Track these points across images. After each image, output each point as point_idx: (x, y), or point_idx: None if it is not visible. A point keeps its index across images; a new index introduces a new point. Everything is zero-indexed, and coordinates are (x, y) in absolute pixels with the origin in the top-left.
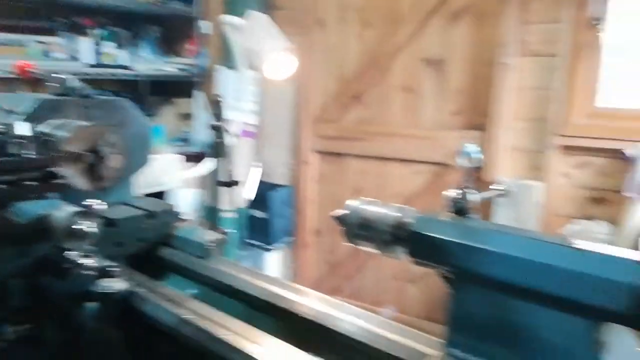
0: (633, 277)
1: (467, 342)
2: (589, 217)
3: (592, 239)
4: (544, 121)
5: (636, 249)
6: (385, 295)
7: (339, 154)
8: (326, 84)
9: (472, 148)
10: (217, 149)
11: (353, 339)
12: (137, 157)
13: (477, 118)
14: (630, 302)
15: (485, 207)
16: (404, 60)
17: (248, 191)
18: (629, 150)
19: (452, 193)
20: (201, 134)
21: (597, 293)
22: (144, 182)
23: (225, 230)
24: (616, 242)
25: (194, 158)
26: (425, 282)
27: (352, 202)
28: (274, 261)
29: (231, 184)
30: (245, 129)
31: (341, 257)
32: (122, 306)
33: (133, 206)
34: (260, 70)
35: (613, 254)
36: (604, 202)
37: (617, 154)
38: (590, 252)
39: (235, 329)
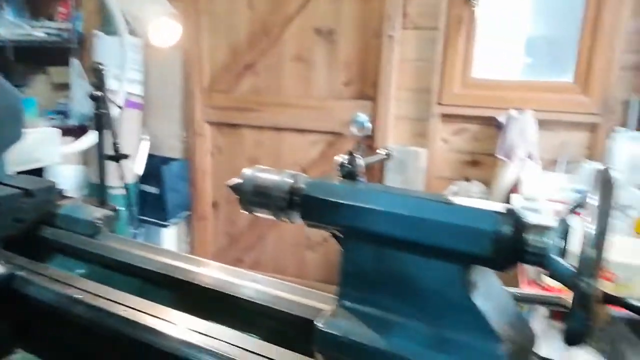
0: (495, 226)
1: (356, 293)
2: (466, 179)
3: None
4: (427, 91)
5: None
6: (286, 263)
7: (233, 125)
8: (216, 53)
9: (362, 117)
10: (100, 121)
11: (253, 303)
12: (7, 132)
13: (367, 88)
14: (493, 247)
15: (378, 172)
16: (295, 30)
17: (137, 165)
18: (500, 117)
19: (341, 159)
20: (80, 106)
21: (466, 241)
22: (17, 159)
23: (115, 207)
24: (490, 200)
25: (74, 132)
26: (324, 248)
27: (247, 171)
28: (171, 237)
29: (119, 157)
30: (129, 100)
31: (241, 228)
32: (3, 292)
33: (6, 185)
34: (143, 37)
35: (478, 207)
36: (479, 165)
37: (490, 121)
38: (459, 205)
39: (131, 304)
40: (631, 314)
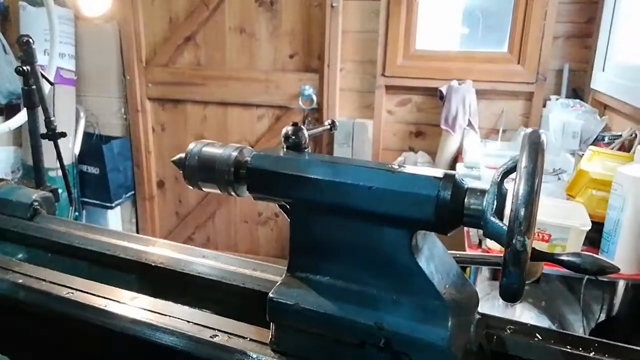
0: (435, 190)
1: (306, 263)
2: (412, 149)
3: None
4: (371, 63)
5: None
6: (238, 240)
7: (176, 100)
8: (153, 25)
9: (309, 90)
10: (30, 98)
11: (204, 278)
12: None
13: (312, 60)
14: (434, 211)
15: (327, 146)
16: (235, 0)
17: (74, 145)
18: (442, 88)
19: (286, 131)
20: (9, 83)
21: (409, 206)
22: None
23: (54, 188)
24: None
25: (2, 111)
26: (276, 224)
27: (191, 145)
28: (116, 218)
29: (54, 136)
30: (61, 75)
31: (189, 207)
32: None
33: None
34: (72, 8)
35: (420, 173)
36: (423, 135)
37: (433, 92)
38: (402, 172)
39: (77, 286)
40: (565, 271)
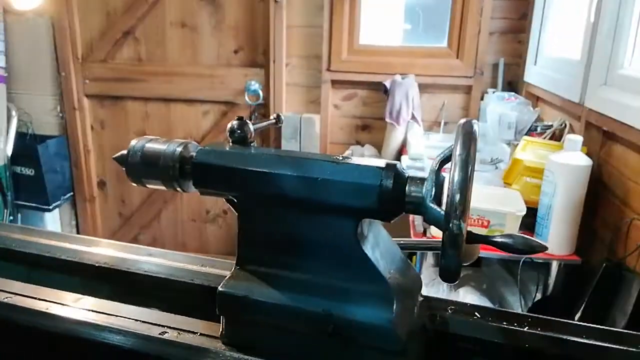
0: (378, 180)
1: (254, 256)
2: (359, 142)
3: None
4: (316, 58)
5: None
6: (185, 239)
7: (115, 97)
8: (88, 19)
9: (255, 86)
10: None
11: (151, 276)
12: None
13: (258, 55)
14: (377, 200)
15: (274, 141)
16: None
17: (6, 145)
18: (386, 82)
19: (231, 125)
20: None
21: (353, 196)
22: None
23: None
24: None
25: None
26: (224, 221)
27: (134, 141)
28: (54, 221)
29: None
30: None
31: (133, 207)
32: None
33: None
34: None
35: (362, 164)
36: (369, 129)
37: (377, 86)
38: (345, 163)
39: (15, 290)
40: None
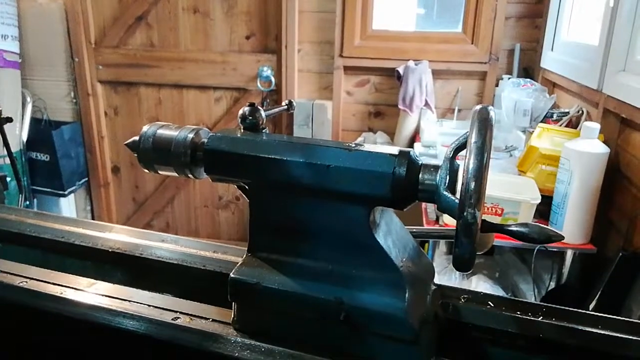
0: (391, 167)
1: (266, 242)
2: (371, 129)
3: None
4: (329, 43)
5: None
6: (198, 225)
7: (129, 83)
8: (101, 4)
9: (267, 72)
10: None
11: (164, 262)
12: None
13: (270, 41)
14: (390, 188)
15: (286, 128)
16: None
17: (22, 131)
18: (399, 68)
19: (243, 111)
20: None
21: (366, 183)
22: None
23: (2, 175)
24: None
25: None
26: (236, 207)
27: (146, 127)
28: (69, 207)
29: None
30: (4, 58)
31: (147, 193)
32: None
33: None
34: None
35: (376, 151)
36: (382, 116)
37: (390, 72)
38: (358, 151)
39: (31, 275)
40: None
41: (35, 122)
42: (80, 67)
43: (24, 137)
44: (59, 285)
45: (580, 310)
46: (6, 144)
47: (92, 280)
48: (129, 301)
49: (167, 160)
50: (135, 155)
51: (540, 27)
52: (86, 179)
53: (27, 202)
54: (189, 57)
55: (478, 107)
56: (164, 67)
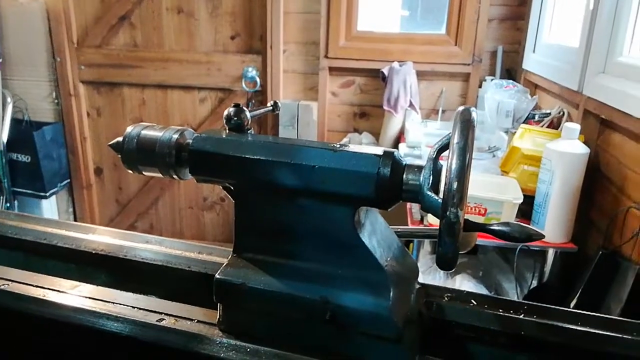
0: (375, 168)
1: (251, 243)
2: (357, 130)
3: None
4: (314, 44)
5: None
6: (183, 226)
7: (112, 84)
8: (84, 3)
9: (252, 72)
10: None
11: (148, 264)
12: None
13: (255, 42)
14: (375, 188)
15: (272, 129)
16: None
17: (2, 131)
18: (384, 69)
19: (228, 112)
20: None
21: (352, 184)
22: None
23: None
24: None
25: None
26: (222, 208)
27: (130, 128)
28: (51, 208)
29: None
30: None
31: (130, 194)
32: None
33: None
34: None
35: (360, 151)
36: (367, 116)
37: (375, 73)
38: (342, 151)
39: (12, 278)
40: (501, 242)
41: (16, 122)
42: (62, 67)
43: (4, 138)
44: (41, 287)
45: (561, 308)
46: None
47: (76, 283)
48: (113, 303)
49: (152, 161)
50: (119, 156)
51: (523, 29)
52: (68, 180)
53: (8, 204)
54: (173, 57)
55: (460, 108)
56: (148, 68)
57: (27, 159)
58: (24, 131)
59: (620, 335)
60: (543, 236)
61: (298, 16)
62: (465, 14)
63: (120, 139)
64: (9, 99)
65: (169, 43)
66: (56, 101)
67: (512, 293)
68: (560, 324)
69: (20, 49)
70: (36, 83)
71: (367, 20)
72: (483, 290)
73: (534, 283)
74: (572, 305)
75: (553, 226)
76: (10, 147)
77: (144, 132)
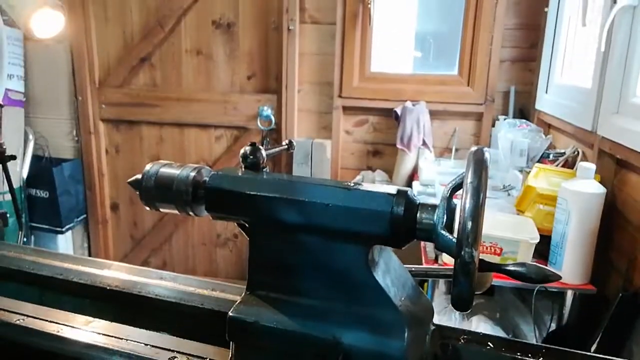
0: (389, 206)
1: (265, 280)
2: (370, 168)
3: None
4: (328, 84)
5: None
6: (196, 263)
7: (131, 122)
8: (106, 45)
9: (267, 111)
10: None
11: (162, 300)
12: None
13: (270, 82)
14: (388, 226)
15: (286, 166)
16: (192, 22)
17: (22, 168)
18: (397, 109)
19: (244, 150)
20: None
21: (365, 222)
22: None
23: (2, 212)
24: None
25: None
26: (235, 245)
27: (148, 165)
28: (67, 243)
29: (2, 159)
30: (9, 97)
31: (145, 230)
32: None
33: None
34: (22, 28)
35: (374, 190)
36: (380, 154)
37: (388, 112)
38: (357, 190)
39: (28, 312)
40: (518, 283)
41: (36, 159)
42: (83, 105)
43: (25, 174)
44: (55, 323)
45: (580, 352)
46: (9, 181)
47: (89, 318)
48: (126, 340)
49: (169, 198)
50: (137, 193)
51: (534, 71)
52: (84, 215)
53: (25, 239)
54: (191, 96)
55: (474, 148)
56: (166, 106)
57: (46, 194)
58: (43, 167)
59: None
60: (560, 277)
61: (313, 57)
62: (477, 56)
63: (139, 176)
64: (30, 136)
65: (187, 83)
66: (76, 139)
67: (531, 336)
68: None
69: (44, 88)
70: (57, 121)
71: (381, 61)
72: (500, 332)
73: (553, 326)
74: (592, 349)
75: (571, 267)
76: (29, 183)
77: (162, 170)
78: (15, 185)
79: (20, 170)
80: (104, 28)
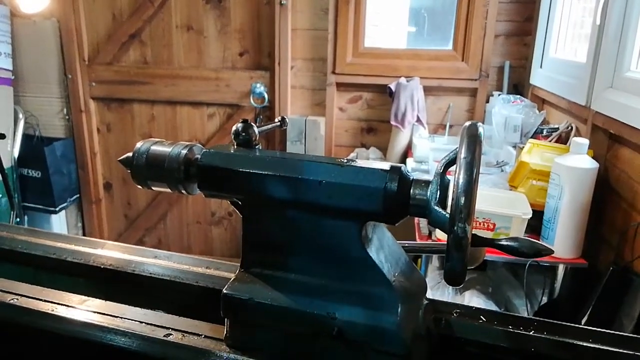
0: (382, 183)
1: (259, 258)
2: (364, 145)
3: None
4: (321, 61)
5: None
6: (190, 241)
7: (122, 100)
8: (95, 22)
9: (260, 88)
10: None
11: (157, 279)
12: None
13: (263, 58)
14: (382, 203)
15: (280, 144)
16: None
17: (13, 147)
18: (391, 85)
19: (236, 128)
20: None
21: (359, 199)
22: None
23: None
24: None
25: None
26: (230, 223)
27: (139, 143)
28: (61, 223)
29: None
30: None
31: (139, 209)
32: None
33: None
34: (8, 4)
35: (368, 166)
36: (374, 131)
37: (382, 89)
38: (350, 166)
39: (22, 292)
40: (510, 258)
41: (27, 138)
42: (73, 83)
43: (16, 154)
44: (50, 302)
45: (571, 324)
46: None
47: (84, 297)
48: (121, 318)
49: (161, 176)
50: (129, 171)
51: (529, 45)
52: (77, 195)
53: (18, 219)
54: (183, 74)
55: (467, 123)
56: (158, 84)
57: (38, 174)
58: (34, 147)
59: (633, 352)
60: (552, 251)
61: (306, 33)
62: (471, 30)
63: (129, 154)
64: (20, 115)
65: (178, 60)
66: (67, 117)
67: (522, 309)
68: (571, 341)
69: (33, 66)
70: (47, 99)
71: (374, 36)
72: (492, 307)
73: (544, 299)
74: (583, 321)
75: (563, 242)
76: (21, 163)
77: (154, 148)
78: (7, 165)
79: (11, 150)
80: (92, 3)
